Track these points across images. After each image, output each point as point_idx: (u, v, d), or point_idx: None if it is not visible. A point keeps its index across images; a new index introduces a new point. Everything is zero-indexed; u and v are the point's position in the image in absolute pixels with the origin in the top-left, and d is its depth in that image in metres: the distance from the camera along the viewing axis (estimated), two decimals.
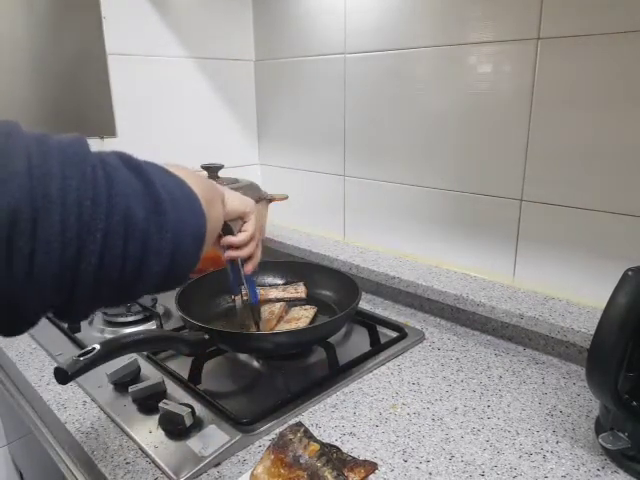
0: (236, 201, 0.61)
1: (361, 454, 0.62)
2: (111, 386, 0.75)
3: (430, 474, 0.59)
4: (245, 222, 0.65)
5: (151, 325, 0.96)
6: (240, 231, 0.65)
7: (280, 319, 0.89)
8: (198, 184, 0.44)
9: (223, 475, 0.59)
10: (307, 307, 0.93)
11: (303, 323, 0.86)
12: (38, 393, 0.76)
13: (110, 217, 0.32)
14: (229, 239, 0.65)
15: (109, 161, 0.35)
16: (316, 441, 0.58)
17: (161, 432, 0.65)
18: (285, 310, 0.92)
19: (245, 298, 0.79)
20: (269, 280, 1.03)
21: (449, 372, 0.80)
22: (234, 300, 0.85)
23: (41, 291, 0.31)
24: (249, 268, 0.71)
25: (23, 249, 0.29)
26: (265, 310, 0.90)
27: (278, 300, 0.96)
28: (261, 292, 0.98)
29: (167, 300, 1.05)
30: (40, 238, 0.29)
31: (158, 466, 0.60)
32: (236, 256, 0.68)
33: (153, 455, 0.61)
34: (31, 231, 0.29)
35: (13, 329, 0.33)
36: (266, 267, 1.04)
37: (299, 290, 0.99)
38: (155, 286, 0.38)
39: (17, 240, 0.29)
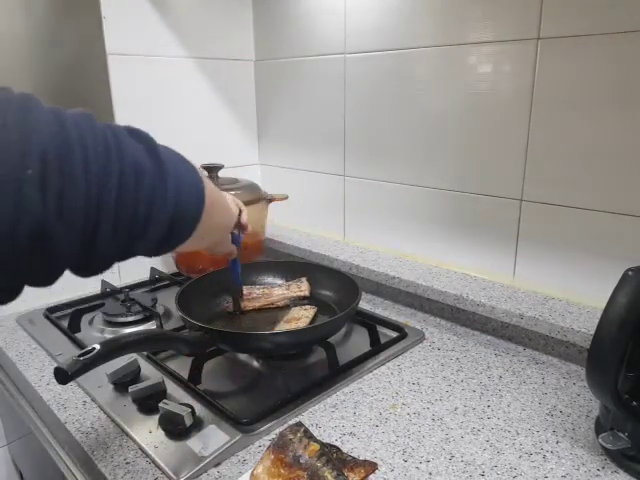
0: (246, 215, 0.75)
1: (361, 454, 0.62)
2: (111, 386, 0.75)
3: (430, 474, 0.59)
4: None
5: (151, 325, 0.96)
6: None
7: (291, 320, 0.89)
8: (209, 184, 0.48)
9: (223, 475, 0.59)
10: (307, 307, 0.93)
11: (303, 323, 0.86)
12: (38, 393, 0.76)
13: (122, 161, 0.37)
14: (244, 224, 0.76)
15: (115, 126, 0.40)
16: (316, 441, 0.58)
17: (161, 432, 0.65)
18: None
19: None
20: (269, 280, 1.03)
21: (449, 372, 0.80)
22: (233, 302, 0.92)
23: (71, 229, 0.34)
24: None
25: (54, 184, 0.33)
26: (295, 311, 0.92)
27: (282, 299, 0.96)
28: (264, 291, 0.98)
29: (167, 300, 1.05)
30: (67, 175, 0.33)
31: (158, 466, 0.60)
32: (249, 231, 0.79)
33: (153, 455, 0.61)
34: (59, 168, 0.33)
35: (43, 275, 0.36)
36: (266, 267, 1.04)
37: (302, 288, 0.98)
38: (162, 235, 0.41)
39: (48, 174, 0.32)
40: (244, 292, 0.94)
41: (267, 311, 0.95)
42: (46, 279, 0.37)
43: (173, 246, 0.45)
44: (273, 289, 0.99)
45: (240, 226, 0.76)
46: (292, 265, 1.05)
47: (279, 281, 1.03)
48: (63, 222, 0.33)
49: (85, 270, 0.39)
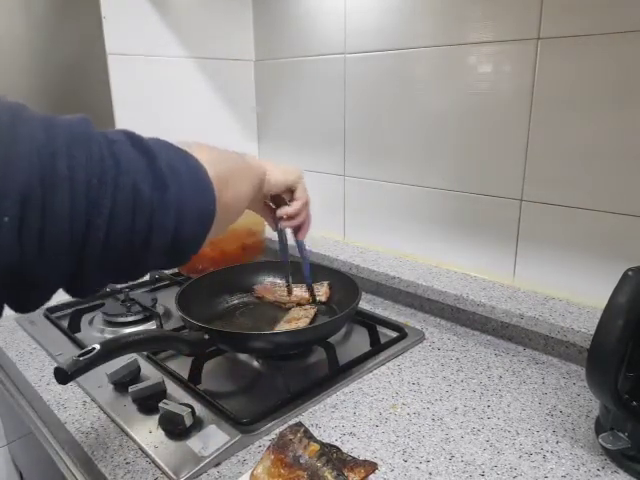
0: (279, 175, 0.64)
1: (361, 454, 0.62)
2: (111, 386, 0.75)
3: (430, 474, 0.59)
4: (294, 191, 0.68)
5: (151, 325, 0.96)
6: (293, 200, 0.69)
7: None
8: (215, 162, 0.45)
9: (223, 475, 0.59)
10: (307, 307, 0.93)
11: (303, 323, 0.86)
12: (38, 393, 0.76)
13: (117, 194, 0.34)
14: (284, 210, 0.68)
15: (115, 139, 0.37)
16: (316, 441, 0.58)
17: (161, 432, 0.65)
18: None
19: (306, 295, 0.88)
20: (269, 280, 1.03)
21: (449, 372, 0.80)
22: (289, 286, 0.94)
23: (52, 265, 0.32)
24: (302, 235, 0.75)
25: (33, 225, 0.30)
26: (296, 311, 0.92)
27: (298, 300, 0.96)
28: (285, 289, 0.99)
29: (167, 300, 1.05)
30: (49, 215, 0.31)
31: (158, 466, 0.60)
32: (290, 226, 0.72)
33: (153, 455, 0.61)
34: (41, 208, 0.30)
35: (27, 304, 0.35)
36: (267, 267, 1.04)
37: (320, 292, 0.96)
38: (161, 261, 0.39)
39: (28, 216, 0.30)
40: (269, 284, 0.97)
41: (268, 311, 0.95)
42: (31, 307, 0.35)
43: (178, 265, 0.43)
44: (295, 288, 0.98)
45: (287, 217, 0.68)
46: (292, 265, 1.05)
47: (279, 281, 1.03)
48: (44, 259, 0.31)
49: (76, 294, 0.38)
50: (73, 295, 0.37)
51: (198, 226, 0.41)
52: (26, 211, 0.30)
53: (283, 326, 0.86)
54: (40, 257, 0.31)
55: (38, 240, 0.30)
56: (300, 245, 0.79)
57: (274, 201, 0.71)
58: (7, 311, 0.34)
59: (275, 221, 0.73)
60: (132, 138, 0.38)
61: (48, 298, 0.35)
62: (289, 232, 0.78)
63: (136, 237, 0.35)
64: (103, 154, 0.34)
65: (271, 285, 1.00)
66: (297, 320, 0.87)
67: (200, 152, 0.44)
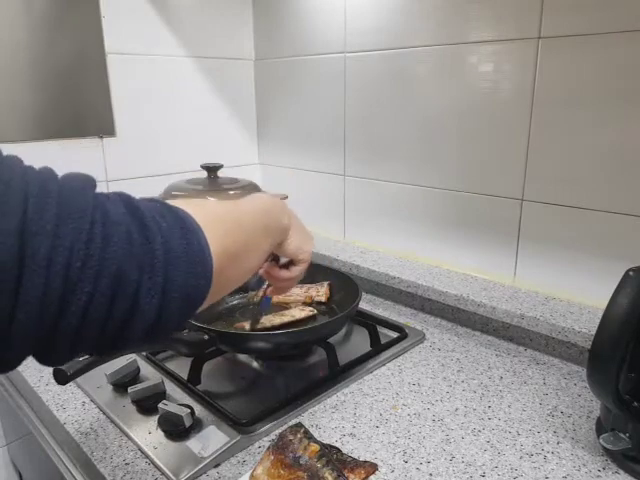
0: (293, 245, 0.57)
1: (361, 455, 0.62)
2: (110, 387, 0.75)
3: (431, 475, 0.59)
4: (295, 264, 0.62)
5: None
6: (293, 264, 0.62)
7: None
8: (228, 233, 0.42)
9: (223, 476, 0.59)
10: (304, 308, 0.92)
11: (297, 316, 0.87)
12: (37, 394, 0.75)
13: (98, 279, 0.31)
14: (276, 273, 0.62)
15: (111, 213, 0.33)
16: (316, 442, 0.58)
17: (160, 433, 0.65)
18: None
19: (257, 299, 0.80)
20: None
21: (450, 373, 0.80)
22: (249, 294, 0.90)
23: (21, 340, 0.30)
24: (274, 294, 0.73)
25: (5, 303, 0.28)
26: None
27: (297, 300, 0.96)
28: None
29: None
30: (21, 298, 0.29)
31: (157, 467, 0.60)
32: (277, 285, 0.66)
33: (152, 456, 0.61)
34: (14, 290, 0.28)
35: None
36: None
37: (320, 292, 0.96)
38: (137, 344, 0.36)
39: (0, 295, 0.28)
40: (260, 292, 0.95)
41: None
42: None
43: (155, 345, 0.39)
44: (294, 289, 0.96)
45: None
46: None
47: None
48: (12, 332, 0.29)
49: (47, 364, 0.35)
50: (42, 364, 0.34)
51: (186, 309, 0.37)
52: None
53: (276, 319, 0.86)
54: (8, 332, 0.29)
55: (8, 318, 0.29)
56: (266, 301, 0.77)
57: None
58: None
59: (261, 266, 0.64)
60: (133, 214, 0.34)
61: (14, 367, 0.33)
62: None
63: (111, 323, 0.32)
64: (93, 234, 0.31)
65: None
66: (292, 315, 0.87)
67: (214, 223, 0.41)
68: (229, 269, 0.42)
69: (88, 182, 0.34)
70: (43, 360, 0.34)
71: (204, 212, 0.41)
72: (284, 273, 0.62)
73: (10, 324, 0.29)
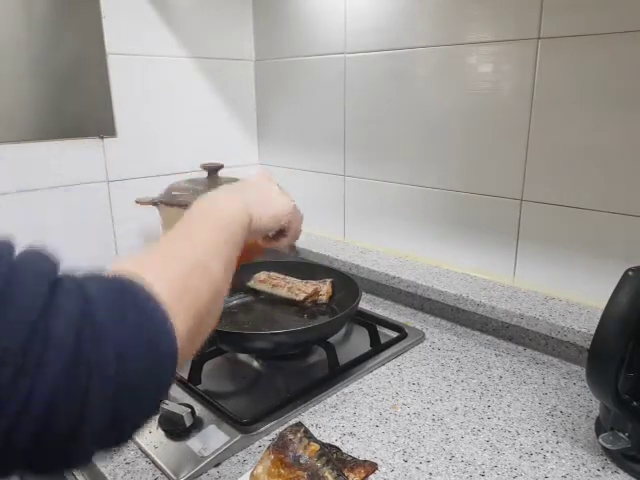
0: (264, 220, 0.55)
1: (361, 454, 0.62)
2: None
3: (430, 474, 0.59)
4: (283, 234, 0.61)
5: None
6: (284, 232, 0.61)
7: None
8: (191, 305, 0.37)
9: (223, 475, 0.59)
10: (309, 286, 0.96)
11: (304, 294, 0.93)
12: None
13: (28, 400, 0.26)
14: (266, 245, 0.62)
15: (64, 307, 0.28)
16: (316, 441, 0.58)
17: (161, 432, 0.65)
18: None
19: None
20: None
21: (449, 372, 0.80)
22: None
23: None
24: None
25: None
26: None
27: (295, 291, 0.96)
28: (285, 279, 0.99)
29: None
30: None
31: (158, 466, 0.60)
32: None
33: (153, 455, 0.61)
34: None
35: None
36: (267, 267, 1.04)
37: (322, 291, 0.95)
38: (94, 451, 0.32)
39: None
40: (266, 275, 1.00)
41: (268, 310, 0.94)
42: None
43: (128, 439, 0.34)
44: (296, 281, 0.97)
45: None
46: (292, 265, 1.05)
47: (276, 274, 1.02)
48: None
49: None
50: None
51: (146, 403, 0.33)
52: None
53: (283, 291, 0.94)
54: None
55: None
56: None
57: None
58: None
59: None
60: (86, 303, 0.30)
61: None
62: None
63: (51, 437, 0.28)
64: (33, 338, 0.27)
65: (267, 277, 1.00)
66: (299, 290, 0.94)
67: (178, 290, 0.36)
68: (195, 337, 0.38)
69: (49, 269, 0.30)
70: None
71: (164, 274, 0.36)
72: (273, 244, 0.61)
73: None
